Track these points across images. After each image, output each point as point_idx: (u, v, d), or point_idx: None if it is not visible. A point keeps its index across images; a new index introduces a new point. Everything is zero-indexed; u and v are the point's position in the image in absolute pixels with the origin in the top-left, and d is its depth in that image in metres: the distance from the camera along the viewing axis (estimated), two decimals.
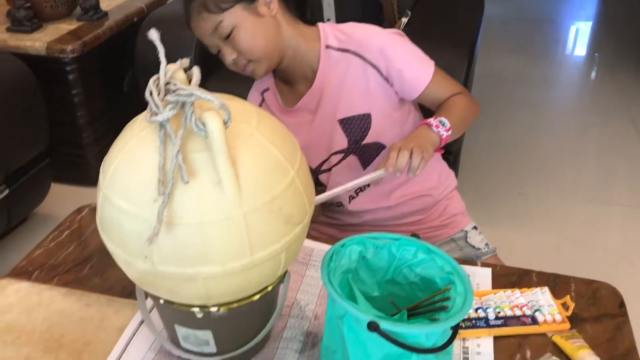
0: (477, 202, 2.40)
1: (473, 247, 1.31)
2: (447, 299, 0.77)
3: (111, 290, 1.01)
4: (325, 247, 1.08)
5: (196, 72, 0.72)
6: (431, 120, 1.10)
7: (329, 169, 1.24)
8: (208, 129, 0.66)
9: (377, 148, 1.21)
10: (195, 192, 0.67)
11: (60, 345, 0.91)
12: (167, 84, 0.71)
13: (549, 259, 2.13)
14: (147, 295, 0.84)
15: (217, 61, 2.27)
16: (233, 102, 0.77)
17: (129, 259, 0.71)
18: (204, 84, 0.70)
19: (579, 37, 4.65)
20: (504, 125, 3.07)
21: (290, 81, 1.23)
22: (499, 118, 3.12)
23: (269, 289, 0.80)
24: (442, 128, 1.09)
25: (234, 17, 1.09)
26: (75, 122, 2.23)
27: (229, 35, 1.10)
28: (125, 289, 1.01)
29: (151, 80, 0.71)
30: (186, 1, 1.11)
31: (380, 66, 1.15)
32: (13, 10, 2.20)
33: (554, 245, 2.21)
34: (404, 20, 2.01)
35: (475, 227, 1.35)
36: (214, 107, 0.67)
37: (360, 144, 1.20)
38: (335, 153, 1.22)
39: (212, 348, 0.83)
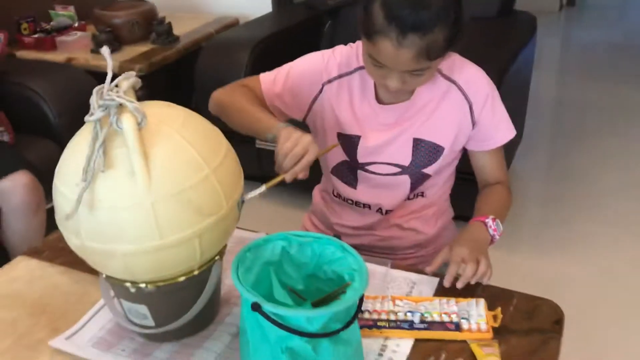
0: (522, 227, 2.37)
1: None
2: (344, 293, 0.84)
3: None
4: None
5: (127, 80, 0.85)
6: (490, 221, 1.12)
7: (373, 173, 1.24)
8: (123, 127, 0.79)
9: (431, 184, 1.26)
10: (113, 180, 0.81)
11: (43, 312, 1.07)
12: (111, 90, 0.86)
13: (582, 290, 2.07)
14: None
15: None
16: (167, 109, 0.90)
17: (68, 235, 0.86)
18: None
19: None
20: (577, 153, 2.99)
21: None
22: (574, 145, 3.05)
23: (195, 272, 0.91)
24: (497, 232, 1.13)
25: (435, 65, 1.07)
26: None
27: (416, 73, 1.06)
28: None
29: (96, 88, 0.86)
30: (402, 31, 0.99)
31: (477, 109, 1.18)
32: (96, 35, 2.50)
33: (590, 279, 2.14)
34: None
35: None
36: (129, 110, 0.80)
37: (421, 170, 1.23)
38: (393, 165, 1.23)
39: (150, 321, 0.95)
